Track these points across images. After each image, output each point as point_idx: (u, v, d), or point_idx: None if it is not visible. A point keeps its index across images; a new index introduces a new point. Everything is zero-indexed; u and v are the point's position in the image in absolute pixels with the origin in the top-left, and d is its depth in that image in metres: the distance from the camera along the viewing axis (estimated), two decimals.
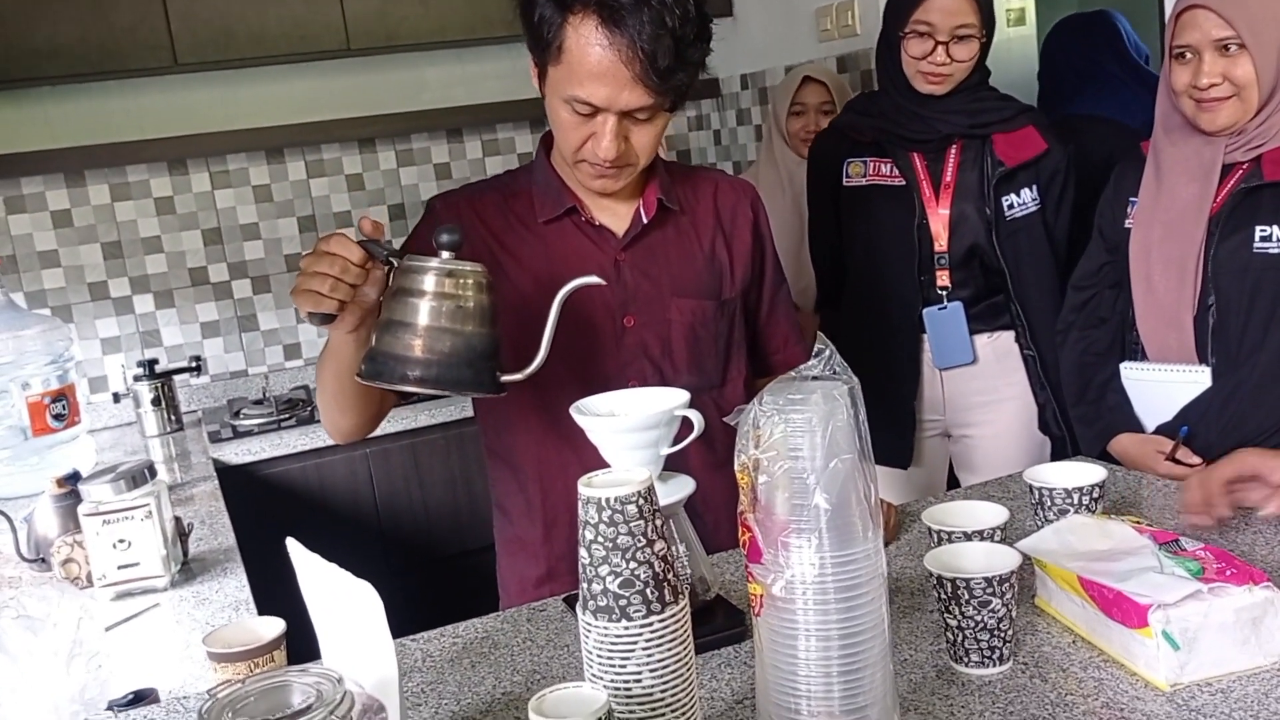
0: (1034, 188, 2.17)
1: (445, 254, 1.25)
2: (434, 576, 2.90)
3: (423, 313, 1.23)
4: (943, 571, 1.11)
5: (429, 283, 1.23)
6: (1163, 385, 1.86)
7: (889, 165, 2.20)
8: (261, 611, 1.64)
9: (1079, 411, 2.02)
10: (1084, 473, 1.40)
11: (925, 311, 2.19)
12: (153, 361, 3.02)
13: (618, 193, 1.52)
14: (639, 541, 0.89)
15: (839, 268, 2.35)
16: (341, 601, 0.99)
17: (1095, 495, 1.37)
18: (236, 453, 2.78)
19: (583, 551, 0.90)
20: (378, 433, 2.77)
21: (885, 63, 2.21)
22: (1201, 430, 1.80)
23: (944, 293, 2.18)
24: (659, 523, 0.90)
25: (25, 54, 2.79)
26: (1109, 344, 1.97)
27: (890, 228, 2.19)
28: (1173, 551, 1.15)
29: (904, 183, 2.18)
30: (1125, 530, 1.22)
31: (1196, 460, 1.79)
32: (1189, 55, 1.75)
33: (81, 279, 3.15)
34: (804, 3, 3.13)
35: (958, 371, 2.24)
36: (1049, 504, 1.38)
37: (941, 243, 2.16)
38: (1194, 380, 1.81)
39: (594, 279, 1.30)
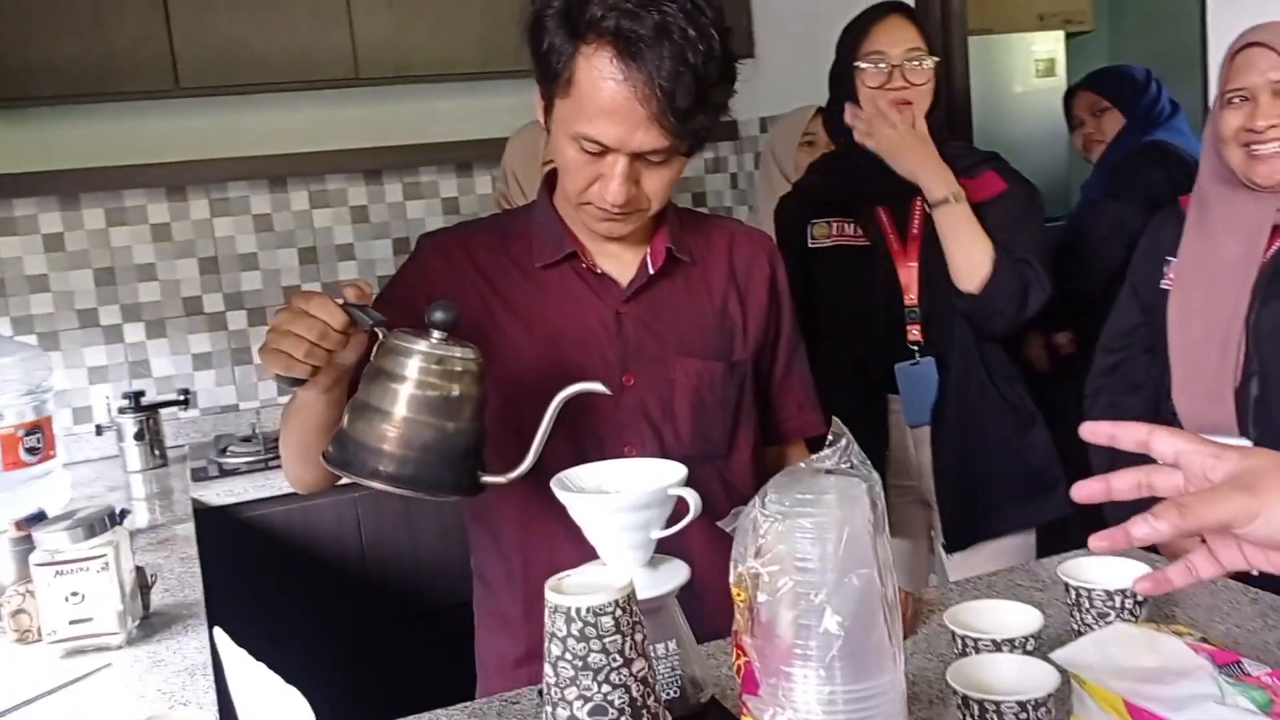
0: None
1: (436, 334, 1.13)
2: (422, 630, 2.75)
3: (402, 401, 1.12)
4: (969, 690, 0.97)
5: (413, 368, 1.12)
6: None
7: (852, 225, 2.12)
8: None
9: None
10: (1127, 571, 1.25)
11: (897, 366, 2.07)
12: (139, 393, 2.92)
13: (624, 239, 1.40)
14: (614, 661, 0.75)
15: (811, 330, 2.23)
16: (271, 708, 0.86)
17: (1140, 599, 1.22)
18: (219, 493, 2.66)
19: (548, 669, 0.76)
20: None
21: (840, 123, 2.13)
22: None
23: (915, 348, 2.06)
24: (639, 638, 0.77)
25: (21, 72, 2.70)
26: (1141, 412, 1.85)
27: (857, 288, 2.11)
28: (1234, 676, 1.00)
29: (868, 242, 2.09)
30: (1176, 645, 1.07)
31: None
32: (1243, 100, 1.63)
33: (71, 305, 3.05)
34: (828, 45, 3.02)
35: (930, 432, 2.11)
36: (1087, 606, 1.23)
37: (911, 295, 2.06)
38: None
39: (599, 386, 1.18)
